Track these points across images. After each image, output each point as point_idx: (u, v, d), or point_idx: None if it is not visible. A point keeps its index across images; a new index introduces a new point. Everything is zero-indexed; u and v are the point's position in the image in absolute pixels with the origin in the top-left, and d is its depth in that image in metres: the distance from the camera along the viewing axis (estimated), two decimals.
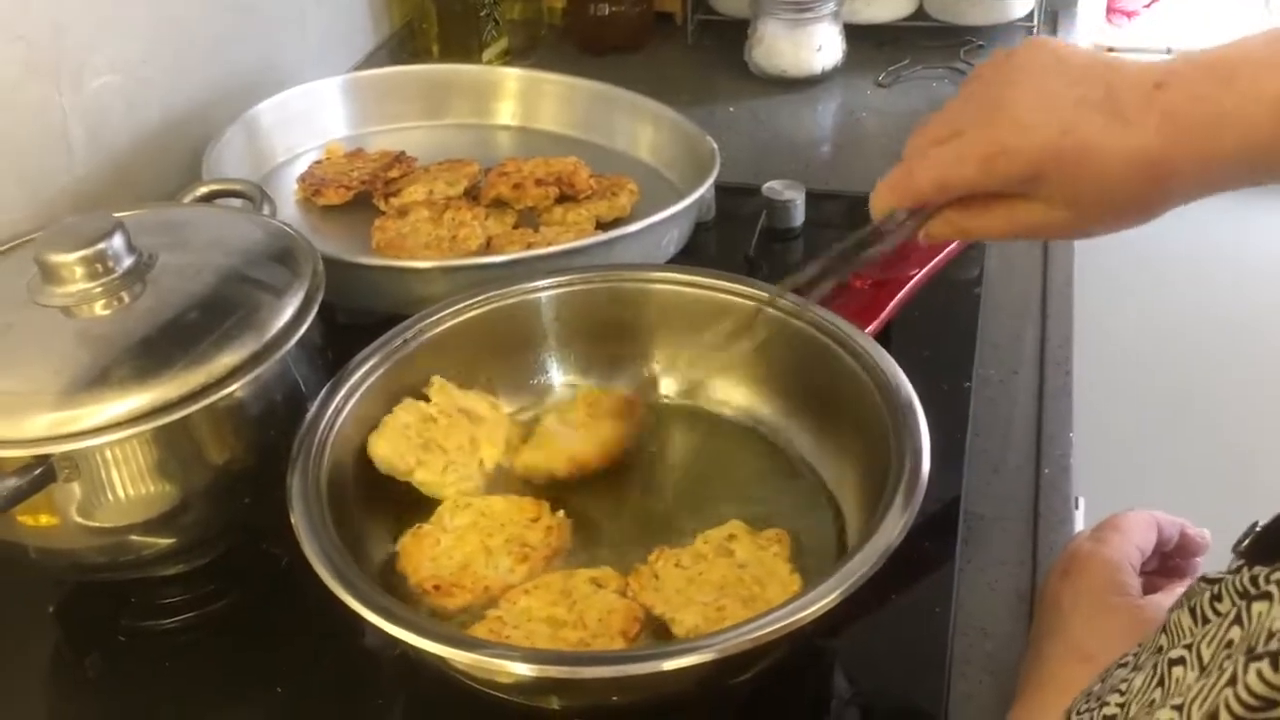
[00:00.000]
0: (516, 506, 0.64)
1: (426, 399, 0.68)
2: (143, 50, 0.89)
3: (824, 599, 0.50)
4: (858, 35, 1.21)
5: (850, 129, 1.15)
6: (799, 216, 0.94)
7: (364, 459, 0.64)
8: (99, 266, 0.62)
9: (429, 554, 0.61)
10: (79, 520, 0.60)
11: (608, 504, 0.66)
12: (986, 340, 0.84)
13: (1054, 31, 1.23)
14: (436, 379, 0.69)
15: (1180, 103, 0.50)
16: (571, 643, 0.56)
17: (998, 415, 0.78)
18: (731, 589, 0.58)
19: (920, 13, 1.25)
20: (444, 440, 0.67)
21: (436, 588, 0.59)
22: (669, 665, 0.49)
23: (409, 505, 0.66)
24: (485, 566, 0.60)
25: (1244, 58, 0.50)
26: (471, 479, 0.66)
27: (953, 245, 0.75)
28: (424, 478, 0.65)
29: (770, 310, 0.66)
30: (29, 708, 0.64)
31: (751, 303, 0.67)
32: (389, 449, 0.65)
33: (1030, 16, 1.21)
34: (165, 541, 0.64)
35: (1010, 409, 0.79)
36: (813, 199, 0.94)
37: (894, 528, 0.53)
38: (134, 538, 0.62)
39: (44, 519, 0.60)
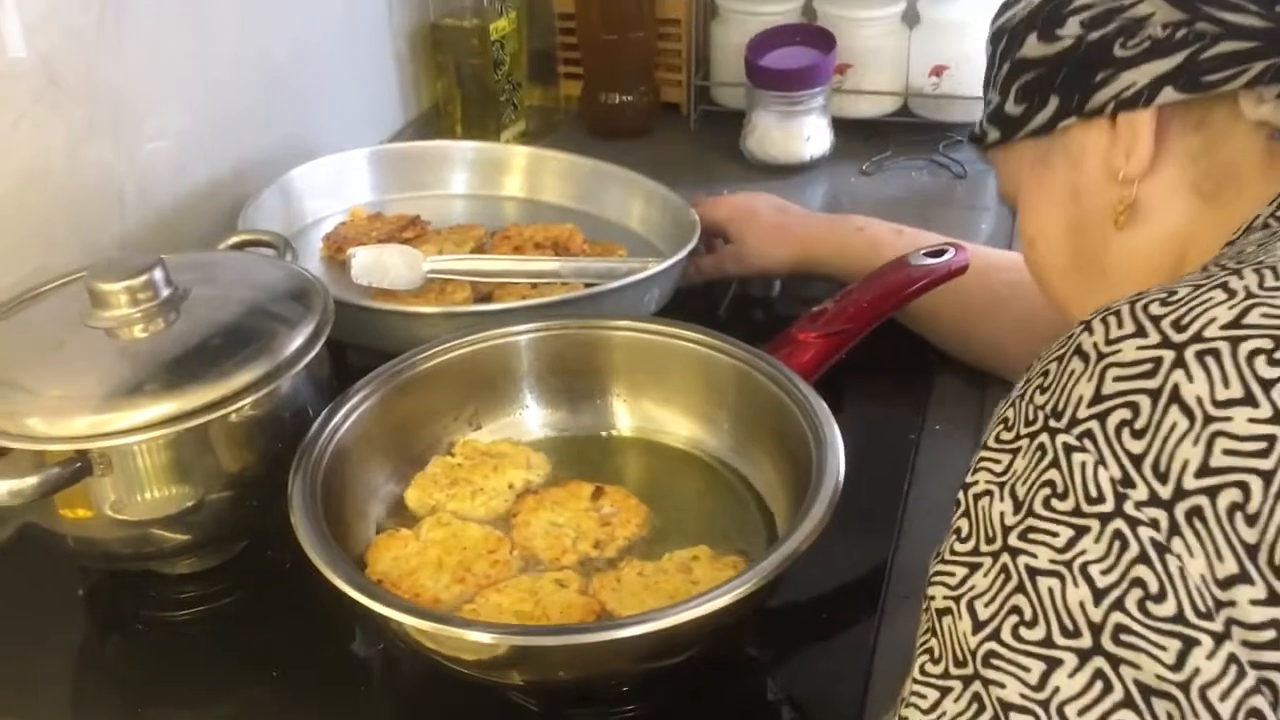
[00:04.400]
0: (483, 538, 0.72)
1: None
2: (193, 120, 1.01)
3: (740, 588, 0.58)
4: (846, 128, 1.32)
5: (834, 212, 1.24)
6: (776, 287, 1.03)
7: (358, 470, 0.73)
8: (140, 295, 0.71)
9: (394, 552, 0.70)
10: (110, 514, 0.69)
11: None
12: (935, 399, 0.93)
13: None
14: (461, 440, 0.79)
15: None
16: None
17: (939, 464, 0.86)
18: (681, 598, 0.66)
19: (904, 109, 1.35)
20: (470, 476, 0.76)
21: (379, 582, 0.67)
22: (603, 637, 0.57)
23: (393, 516, 0.75)
24: (428, 578, 0.68)
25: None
26: (501, 496, 0.74)
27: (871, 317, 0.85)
28: (456, 506, 0.74)
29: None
30: (57, 678, 0.73)
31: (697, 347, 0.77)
32: (418, 493, 0.75)
33: None
34: (182, 537, 0.73)
35: (957, 460, 0.87)
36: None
37: (804, 533, 0.61)
38: (155, 531, 0.71)
39: (80, 512, 0.70)
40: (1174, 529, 0.40)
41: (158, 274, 0.72)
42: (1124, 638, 0.40)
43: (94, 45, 0.90)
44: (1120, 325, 0.44)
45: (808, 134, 1.27)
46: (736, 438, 0.77)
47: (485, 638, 0.57)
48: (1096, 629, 0.41)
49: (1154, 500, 0.40)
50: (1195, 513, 0.40)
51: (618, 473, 0.78)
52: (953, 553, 0.46)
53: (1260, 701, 0.39)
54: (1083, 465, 0.42)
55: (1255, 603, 0.39)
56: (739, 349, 0.76)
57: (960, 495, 0.47)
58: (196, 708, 0.72)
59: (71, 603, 0.78)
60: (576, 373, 0.80)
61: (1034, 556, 0.43)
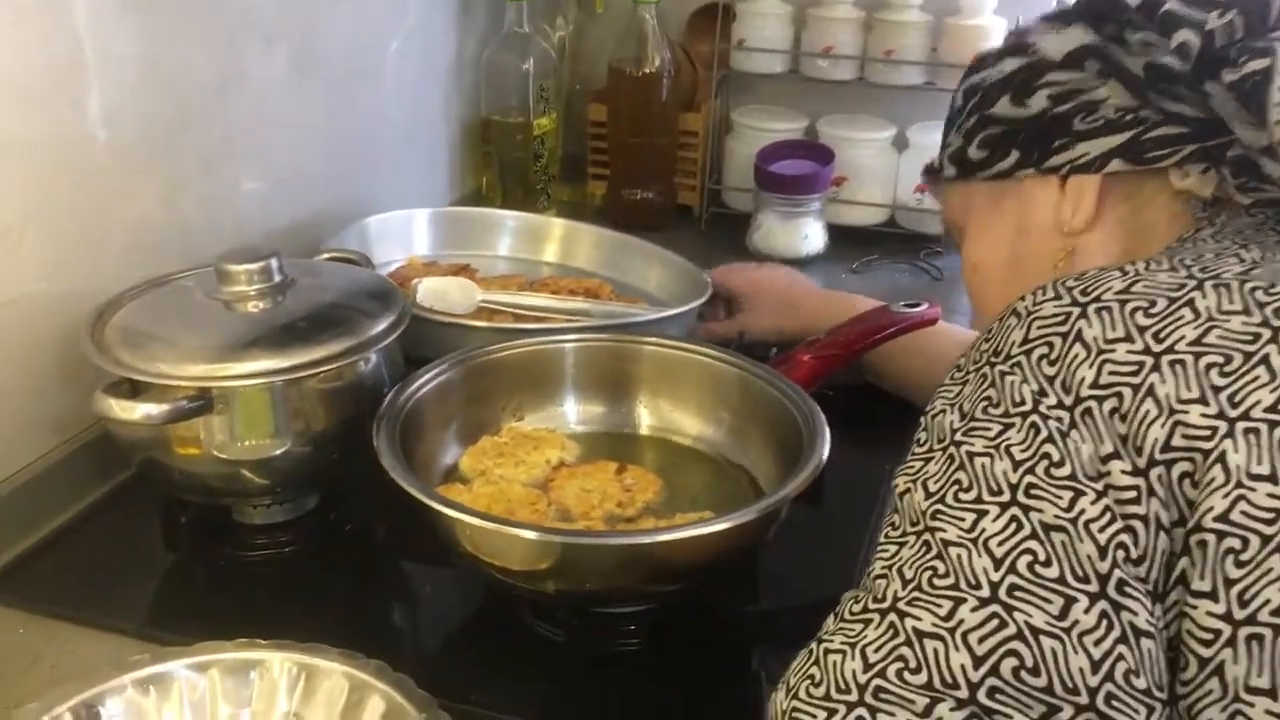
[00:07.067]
0: (525, 494, 0.86)
1: None
2: (282, 171, 1.17)
3: (740, 519, 0.72)
4: (840, 233, 1.50)
5: None
6: (773, 351, 1.19)
7: (424, 432, 0.87)
8: (257, 277, 0.87)
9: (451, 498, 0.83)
10: (214, 453, 0.83)
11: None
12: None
13: None
14: (506, 424, 0.93)
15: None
16: None
17: None
18: None
19: (891, 220, 1.54)
20: (515, 451, 0.90)
21: None
22: (627, 540, 0.71)
23: (448, 477, 0.89)
24: None
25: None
26: (539, 468, 0.88)
27: (860, 345, 1.01)
28: (502, 472, 0.88)
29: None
30: (152, 585, 0.87)
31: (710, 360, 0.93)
32: (470, 460, 0.90)
33: None
34: (265, 481, 0.86)
35: None
36: None
37: (795, 484, 0.75)
38: (245, 472, 0.85)
39: (191, 450, 0.83)
40: (1073, 424, 0.55)
41: (274, 263, 0.88)
42: (1033, 492, 0.54)
43: (215, 101, 1.07)
44: (1044, 294, 0.60)
45: (805, 233, 1.45)
46: (739, 435, 0.92)
47: (531, 535, 0.71)
48: (1014, 488, 0.55)
49: (1060, 405, 0.56)
50: (1087, 413, 0.55)
51: (638, 459, 0.92)
52: (913, 454, 0.61)
53: (1127, 539, 0.53)
54: (1012, 383, 0.58)
55: (1124, 472, 0.54)
56: (744, 362, 0.91)
57: (922, 419, 0.62)
58: (255, 631, 0.83)
59: (168, 536, 0.91)
60: (609, 377, 0.95)
61: (972, 445, 0.57)
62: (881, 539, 0.60)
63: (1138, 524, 0.53)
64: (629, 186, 1.53)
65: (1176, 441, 0.53)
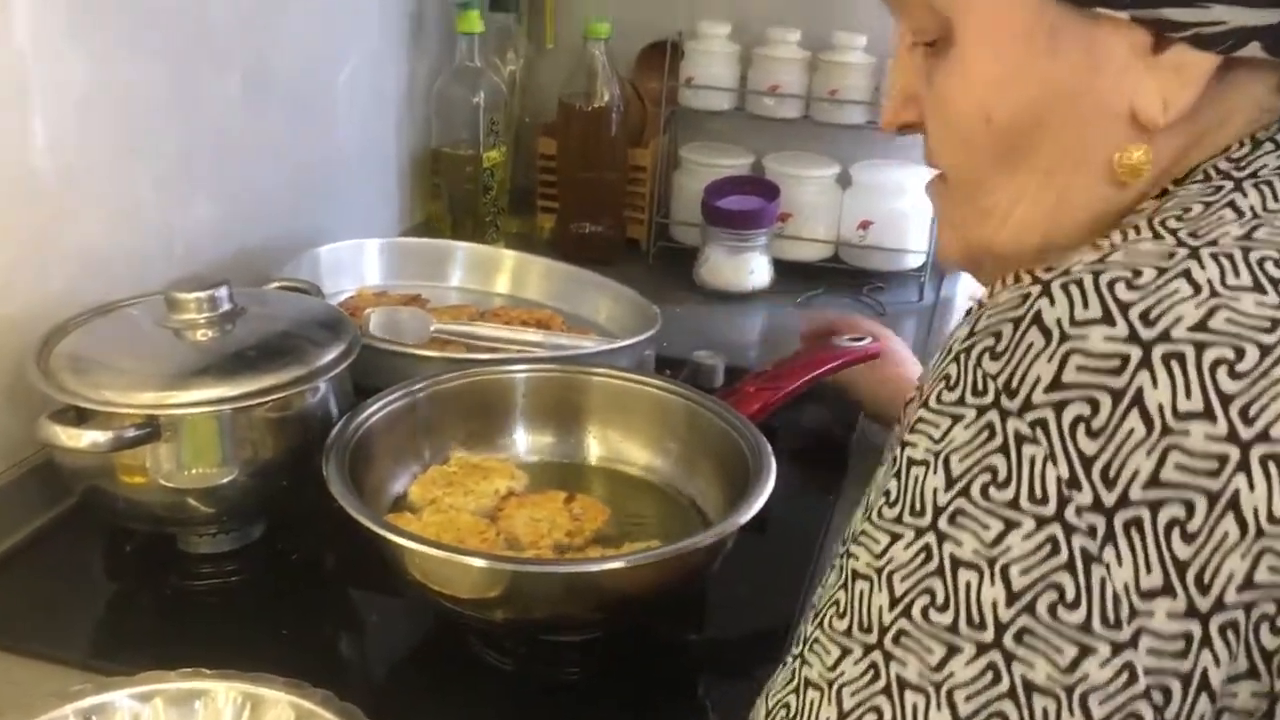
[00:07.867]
0: (474, 523, 0.86)
1: None
2: (236, 195, 1.17)
3: (687, 548, 0.74)
4: (786, 268, 1.52)
5: (770, 334, 1.43)
6: (719, 378, 1.20)
7: (373, 461, 0.87)
8: (206, 306, 0.87)
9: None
10: (161, 481, 0.83)
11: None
12: (850, 471, 1.09)
13: (939, 282, 1.54)
14: (455, 454, 0.94)
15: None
16: None
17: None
18: None
19: (835, 257, 1.57)
20: (464, 481, 0.90)
21: None
22: (575, 569, 0.72)
23: (397, 506, 0.89)
24: None
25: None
26: (488, 497, 0.89)
27: (806, 377, 1.03)
28: (451, 501, 0.88)
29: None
30: (96, 614, 0.85)
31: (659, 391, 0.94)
32: (420, 489, 0.90)
33: (921, 268, 1.53)
34: (211, 510, 0.86)
35: None
36: (730, 370, 1.21)
37: (734, 519, 0.77)
38: (192, 501, 0.85)
39: (137, 478, 0.83)
40: (1109, 537, 0.40)
41: (223, 291, 0.88)
42: (1026, 639, 0.41)
43: (165, 124, 1.07)
44: (1086, 305, 0.42)
45: (751, 268, 1.47)
46: (687, 465, 0.93)
47: (480, 562, 0.71)
48: (1002, 628, 0.41)
49: (1096, 506, 0.40)
50: (1134, 523, 0.40)
51: (587, 489, 0.93)
52: (880, 516, 0.45)
53: (1143, 706, 0.40)
54: (1031, 459, 0.41)
55: (1172, 615, 0.40)
56: (691, 392, 0.93)
57: (897, 451, 0.46)
58: (200, 661, 0.83)
59: (122, 555, 0.91)
60: (559, 408, 0.96)
61: (959, 544, 0.42)
62: (823, 624, 0.46)
63: (1173, 683, 0.40)
64: (578, 220, 1.54)
65: (1262, 577, 0.40)
